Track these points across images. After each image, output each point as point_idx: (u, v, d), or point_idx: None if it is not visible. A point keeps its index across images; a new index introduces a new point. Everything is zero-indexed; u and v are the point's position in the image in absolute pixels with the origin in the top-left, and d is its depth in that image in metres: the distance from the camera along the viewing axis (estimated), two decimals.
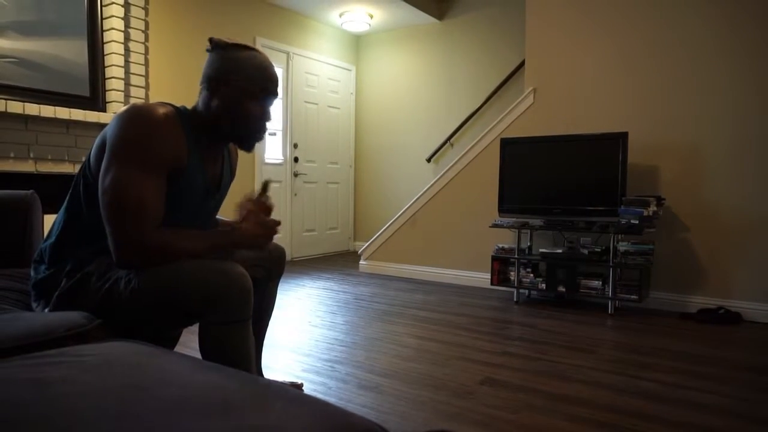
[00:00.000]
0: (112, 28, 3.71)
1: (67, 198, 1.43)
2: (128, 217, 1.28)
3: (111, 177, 1.29)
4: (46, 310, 1.38)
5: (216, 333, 1.30)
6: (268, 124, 1.54)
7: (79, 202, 1.40)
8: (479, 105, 5.34)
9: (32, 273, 1.45)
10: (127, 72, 3.86)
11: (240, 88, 1.42)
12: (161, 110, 1.35)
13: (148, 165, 1.30)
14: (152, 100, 4.14)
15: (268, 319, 1.86)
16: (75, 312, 1.28)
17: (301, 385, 2.08)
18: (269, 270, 1.77)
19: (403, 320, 3.17)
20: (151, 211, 1.30)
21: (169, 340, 1.58)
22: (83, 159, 1.44)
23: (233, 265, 1.31)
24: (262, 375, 1.78)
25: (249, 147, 1.51)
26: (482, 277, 4.26)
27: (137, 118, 1.31)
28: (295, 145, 5.56)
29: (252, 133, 1.48)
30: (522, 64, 4.75)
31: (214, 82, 1.43)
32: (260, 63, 1.44)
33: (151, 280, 1.30)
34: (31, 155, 3.38)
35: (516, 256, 3.77)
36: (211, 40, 1.46)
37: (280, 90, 5.39)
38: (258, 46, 5.05)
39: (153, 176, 1.31)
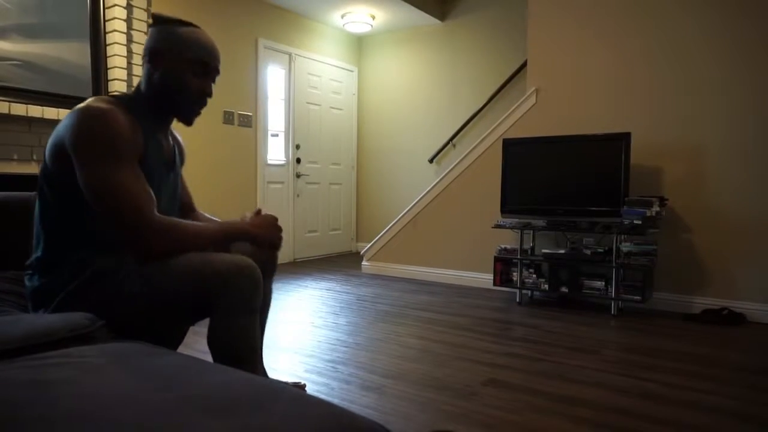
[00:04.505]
0: (115, 30, 3.72)
1: (38, 210, 1.42)
2: (132, 210, 1.30)
3: (98, 179, 1.30)
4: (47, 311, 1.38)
5: (226, 323, 1.32)
6: (209, 101, 1.56)
7: (51, 210, 1.39)
8: (481, 106, 5.34)
9: (27, 283, 1.43)
10: (130, 74, 3.87)
11: (181, 61, 1.44)
12: (108, 105, 1.36)
13: (121, 157, 1.32)
14: None
15: (266, 317, 1.86)
16: (78, 313, 1.28)
17: (304, 386, 2.08)
18: (262, 266, 1.77)
19: (405, 321, 3.17)
20: (148, 198, 1.34)
21: (174, 340, 1.58)
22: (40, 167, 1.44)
23: (241, 257, 1.35)
24: (265, 373, 1.79)
25: (188, 121, 1.52)
26: (485, 278, 4.25)
27: (93, 116, 1.32)
28: (298, 146, 5.57)
29: (191, 106, 1.49)
30: (524, 64, 4.74)
31: (156, 55, 1.45)
32: (201, 38, 1.47)
33: (164, 271, 1.32)
34: (34, 157, 3.39)
35: (518, 256, 3.77)
36: (153, 15, 1.49)
37: (282, 90, 5.40)
38: (260, 48, 5.06)
39: (130, 166, 1.34)
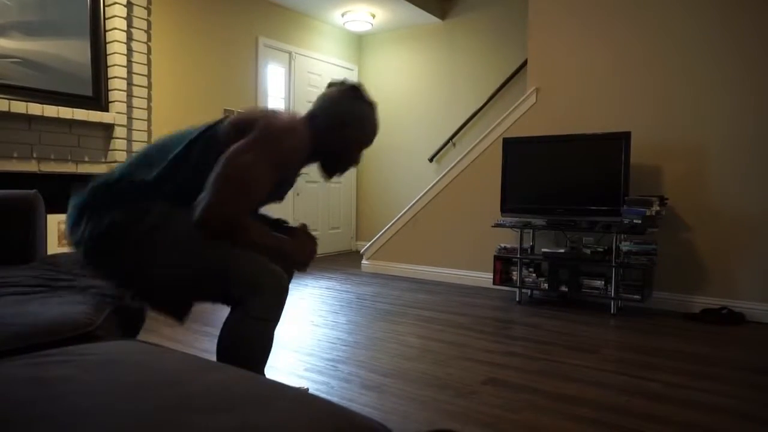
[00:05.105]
0: (115, 28, 3.72)
1: (182, 152, 1.49)
2: (236, 192, 1.41)
3: (245, 154, 1.42)
4: (87, 232, 1.40)
5: (252, 324, 1.40)
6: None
7: (189, 162, 1.48)
8: (481, 105, 5.33)
9: (103, 187, 1.45)
10: (130, 72, 3.87)
11: (356, 141, 1.68)
12: (306, 129, 1.56)
13: (278, 164, 1.48)
14: (155, 100, 4.15)
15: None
16: (80, 309, 1.28)
17: (306, 390, 2.08)
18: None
19: (405, 320, 3.17)
20: (255, 199, 1.47)
21: (185, 308, 1.56)
22: (209, 124, 1.58)
23: (276, 266, 1.48)
24: (264, 375, 1.79)
25: (329, 177, 1.75)
26: (484, 277, 4.25)
27: (293, 126, 1.50)
28: None
29: (341, 168, 1.73)
30: (524, 63, 4.74)
31: (342, 126, 1.65)
32: (377, 125, 1.73)
33: (217, 246, 1.42)
34: (34, 155, 3.39)
35: (518, 255, 3.77)
36: (353, 85, 1.70)
37: (282, 89, 5.41)
38: (260, 46, 5.06)
39: (274, 174, 1.48)
